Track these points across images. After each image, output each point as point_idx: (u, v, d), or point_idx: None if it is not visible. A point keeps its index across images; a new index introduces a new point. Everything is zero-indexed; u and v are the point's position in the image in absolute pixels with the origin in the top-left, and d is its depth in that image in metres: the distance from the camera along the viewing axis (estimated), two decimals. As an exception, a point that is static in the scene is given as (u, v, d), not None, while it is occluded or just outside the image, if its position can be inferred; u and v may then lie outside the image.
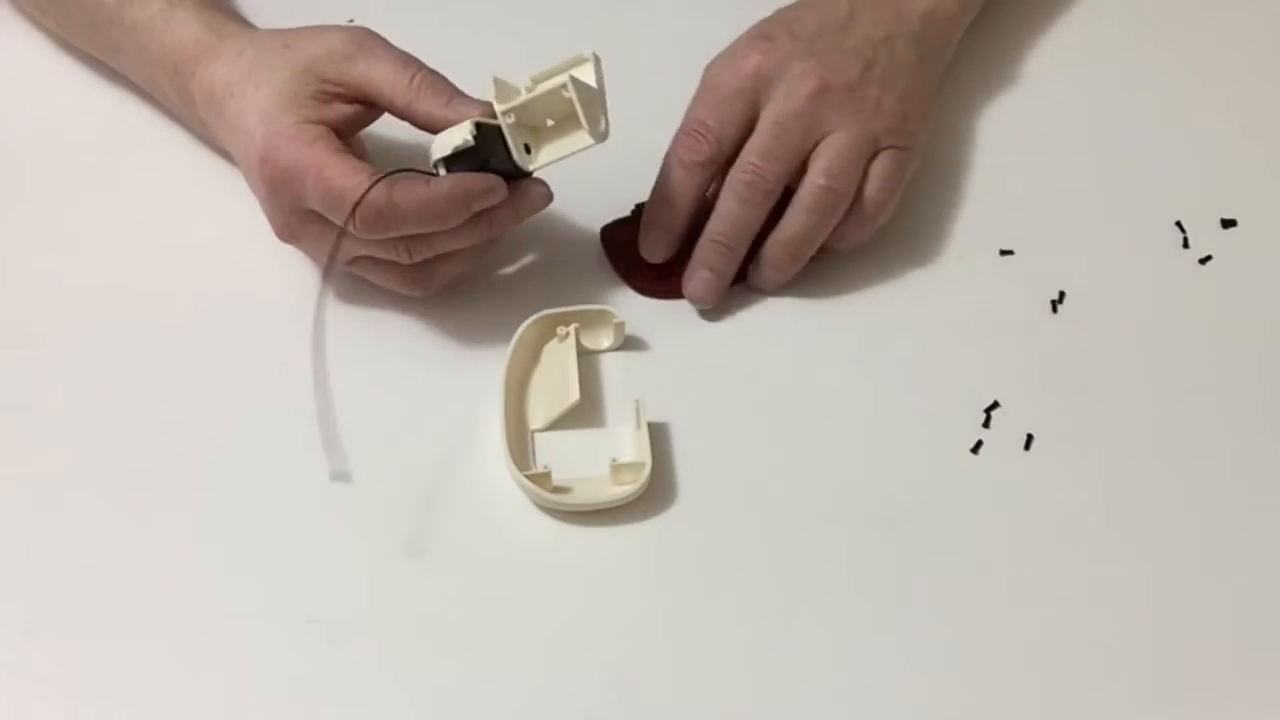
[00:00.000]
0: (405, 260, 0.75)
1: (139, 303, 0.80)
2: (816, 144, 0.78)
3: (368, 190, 0.71)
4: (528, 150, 0.74)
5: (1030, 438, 0.76)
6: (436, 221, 0.72)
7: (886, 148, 0.79)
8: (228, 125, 0.77)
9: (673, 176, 0.79)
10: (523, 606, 0.70)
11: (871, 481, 0.74)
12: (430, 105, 0.74)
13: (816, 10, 0.82)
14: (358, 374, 0.78)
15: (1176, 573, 0.72)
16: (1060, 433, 0.76)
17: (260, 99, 0.75)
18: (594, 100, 0.72)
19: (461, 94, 0.74)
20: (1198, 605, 0.71)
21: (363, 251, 0.75)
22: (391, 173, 0.72)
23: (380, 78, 0.74)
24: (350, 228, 0.72)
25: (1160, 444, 0.76)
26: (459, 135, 0.72)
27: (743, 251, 0.79)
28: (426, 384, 0.77)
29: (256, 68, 0.76)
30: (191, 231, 0.83)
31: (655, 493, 0.73)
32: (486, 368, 0.76)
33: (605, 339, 0.79)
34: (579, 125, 0.72)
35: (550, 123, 0.74)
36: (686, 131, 0.79)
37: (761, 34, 0.81)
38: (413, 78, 0.74)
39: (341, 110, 0.75)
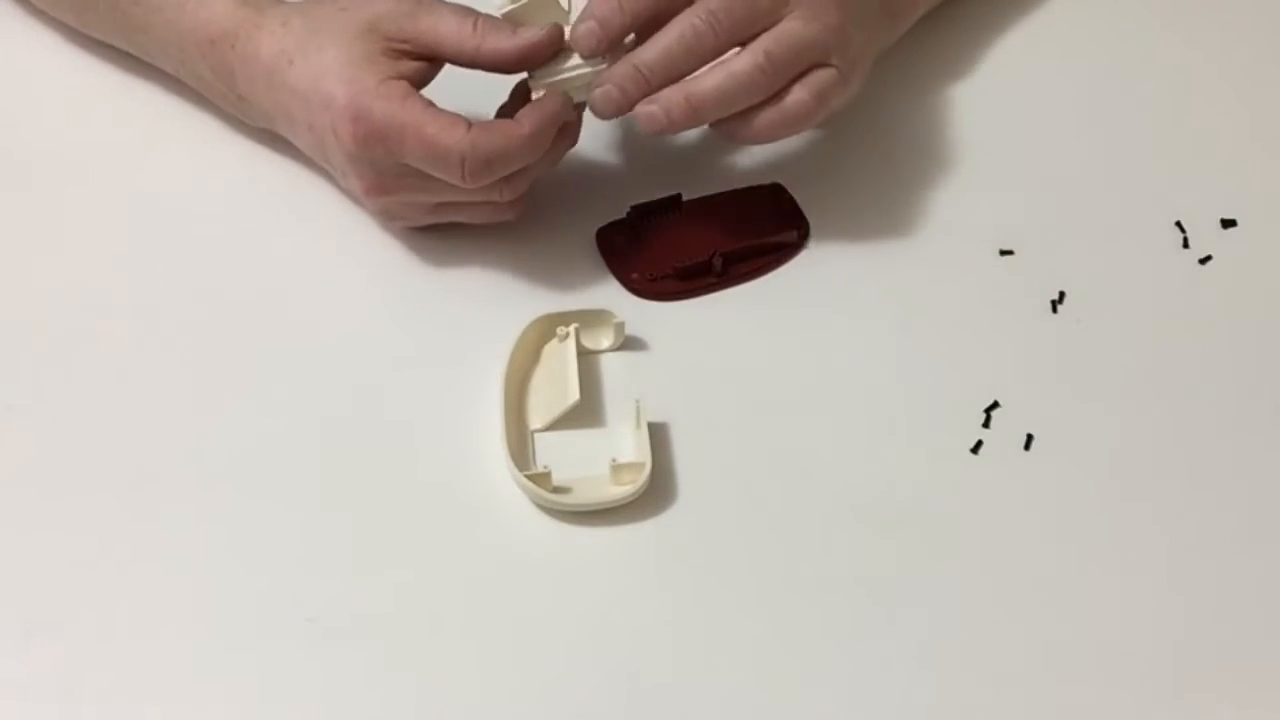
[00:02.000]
0: (503, 198, 0.77)
1: (138, 301, 0.80)
2: (774, 22, 0.76)
3: (470, 145, 0.73)
4: None
5: (1030, 438, 0.76)
6: (536, 153, 0.75)
7: (831, 65, 0.77)
8: (290, 92, 0.77)
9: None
10: (523, 606, 0.70)
11: (871, 481, 0.74)
12: (498, 41, 0.75)
13: None
14: (357, 373, 0.78)
15: (1177, 573, 0.72)
16: (1060, 433, 0.76)
17: (330, 60, 0.75)
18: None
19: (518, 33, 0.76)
20: (1198, 605, 0.71)
21: (460, 198, 0.76)
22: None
23: (445, 29, 0.76)
24: (461, 181, 0.74)
25: (1160, 444, 0.76)
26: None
27: (656, 91, 0.76)
28: (427, 384, 0.77)
29: (316, 33, 0.76)
30: (195, 229, 0.83)
31: (655, 493, 0.73)
32: (486, 368, 0.76)
33: (605, 339, 0.79)
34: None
35: None
36: None
37: None
38: (475, 23, 0.76)
39: (412, 66, 0.76)
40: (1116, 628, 0.70)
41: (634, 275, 0.81)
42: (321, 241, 0.82)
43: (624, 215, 0.82)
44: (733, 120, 0.77)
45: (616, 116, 0.77)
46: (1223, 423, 0.77)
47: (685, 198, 0.83)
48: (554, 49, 0.76)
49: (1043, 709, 0.68)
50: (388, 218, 0.81)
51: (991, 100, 0.90)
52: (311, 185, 0.83)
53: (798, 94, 0.77)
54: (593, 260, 0.82)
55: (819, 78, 0.77)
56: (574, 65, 0.76)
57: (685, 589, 0.71)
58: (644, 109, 0.76)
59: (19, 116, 0.88)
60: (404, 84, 0.75)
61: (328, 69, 0.75)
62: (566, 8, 0.77)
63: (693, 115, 0.76)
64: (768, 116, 0.77)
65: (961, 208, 0.85)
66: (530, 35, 0.76)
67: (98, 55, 0.88)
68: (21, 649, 0.69)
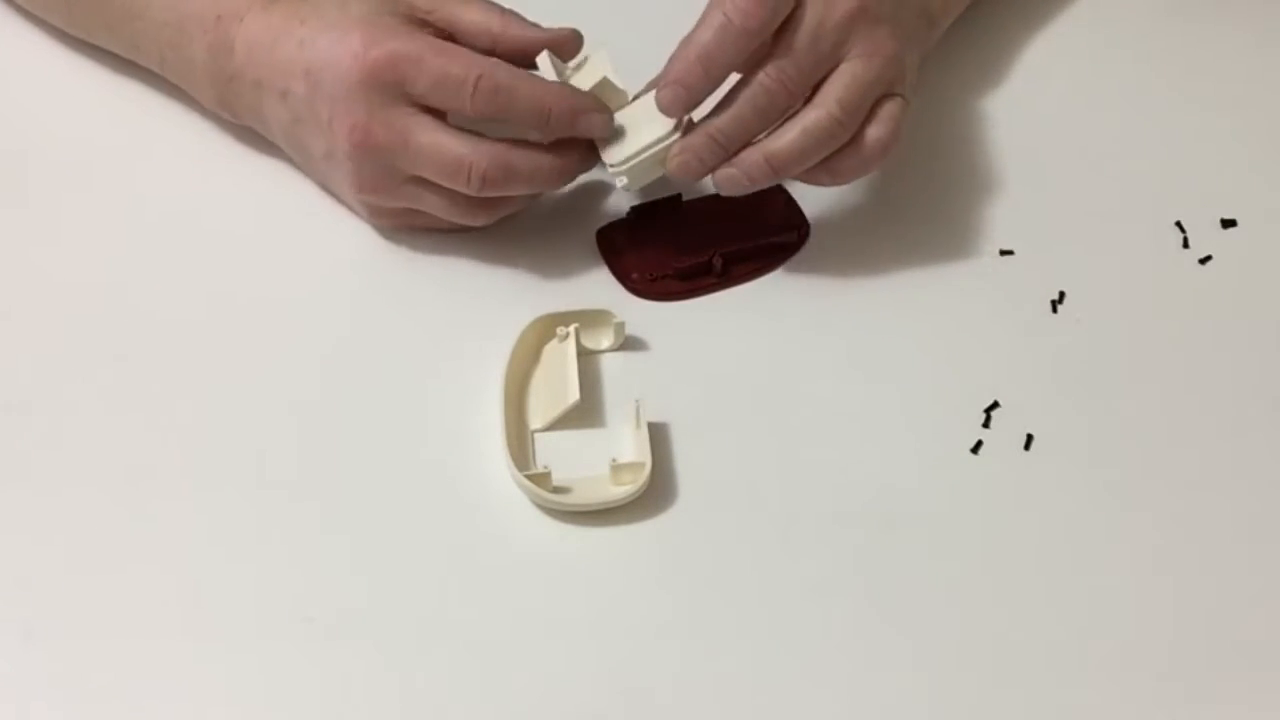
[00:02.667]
0: (473, 190, 0.76)
1: (138, 301, 0.80)
2: (837, 64, 0.76)
3: (490, 66, 0.74)
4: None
5: (1030, 438, 0.76)
6: (546, 119, 0.75)
7: (895, 94, 0.78)
8: (294, 45, 0.77)
9: (718, 35, 0.75)
10: (522, 606, 0.70)
11: (871, 481, 0.74)
12: (520, 29, 0.78)
13: None
14: (357, 373, 0.78)
15: (1177, 573, 0.72)
16: (1060, 433, 0.76)
17: (353, 12, 0.76)
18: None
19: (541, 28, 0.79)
20: (1198, 605, 0.71)
21: (433, 164, 0.75)
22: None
23: (471, 15, 0.78)
24: (468, 103, 0.74)
25: (1160, 444, 0.76)
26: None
27: (732, 154, 0.77)
28: (426, 384, 0.77)
29: (339, 3, 0.77)
30: (193, 230, 0.83)
31: (655, 493, 0.73)
32: (486, 367, 0.76)
33: (605, 339, 0.79)
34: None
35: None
36: (728, 20, 0.74)
37: None
38: (501, 13, 0.78)
39: (429, 31, 0.77)
40: (1116, 627, 0.70)
41: (634, 275, 0.81)
42: (320, 242, 0.82)
43: (624, 215, 0.82)
44: (815, 169, 0.78)
45: (696, 181, 0.79)
46: (1222, 422, 0.77)
47: (685, 198, 0.83)
48: (574, 47, 0.79)
49: (1043, 709, 0.68)
50: (367, 187, 0.78)
51: (991, 100, 0.90)
52: (310, 186, 0.83)
53: (874, 133, 0.77)
54: (593, 260, 0.82)
55: (889, 111, 0.77)
56: (646, 142, 0.77)
57: (685, 589, 0.71)
58: (724, 173, 0.77)
59: (18, 118, 0.88)
60: (420, 26, 0.76)
61: (346, 17, 0.76)
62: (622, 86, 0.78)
63: (773, 174, 0.77)
64: (849, 162, 0.78)
65: (961, 208, 0.85)
66: (548, 34, 0.78)
67: (96, 58, 0.88)
68: (21, 649, 0.69)
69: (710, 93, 0.77)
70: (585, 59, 0.80)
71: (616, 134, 0.78)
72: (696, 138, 0.77)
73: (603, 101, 0.78)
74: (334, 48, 0.75)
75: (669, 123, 0.77)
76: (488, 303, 0.80)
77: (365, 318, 0.80)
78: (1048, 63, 0.92)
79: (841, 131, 0.76)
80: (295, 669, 0.68)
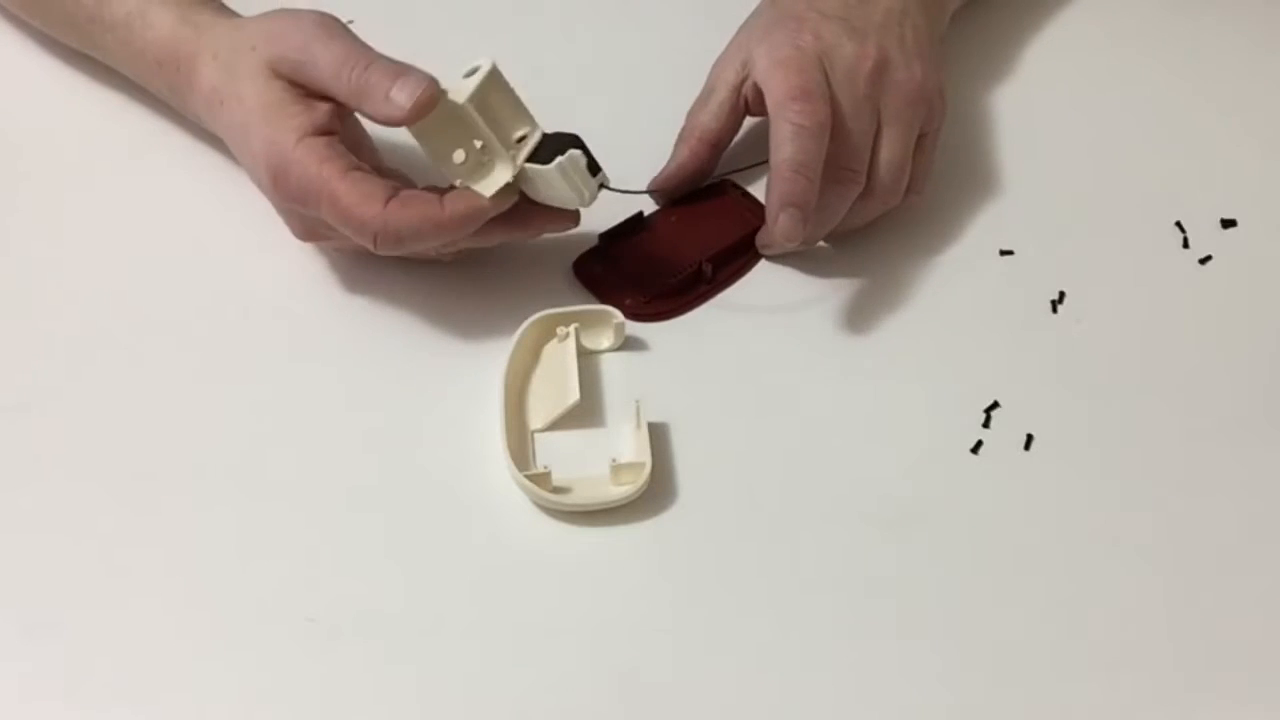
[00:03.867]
0: (432, 255, 0.77)
1: (138, 301, 0.80)
2: (877, 133, 0.79)
3: (383, 222, 0.72)
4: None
5: (1030, 438, 0.76)
6: (451, 236, 0.74)
7: (925, 133, 0.81)
8: (225, 132, 0.78)
9: (801, 146, 0.76)
10: (523, 606, 0.70)
11: (871, 481, 0.74)
12: (372, 106, 0.73)
13: None
14: (358, 373, 0.78)
15: (1176, 572, 0.72)
16: (1060, 433, 0.76)
17: (250, 108, 0.75)
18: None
19: (401, 76, 0.72)
20: (1198, 605, 0.71)
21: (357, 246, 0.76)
22: (401, 190, 0.73)
23: (327, 81, 0.74)
24: (373, 249, 0.74)
25: (1160, 444, 0.76)
26: (503, 176, 0.74)
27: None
28: (426, 384, 0.77)
29: (234, 76, 0.76)
30: (193, 229, 0.83)
31: (655, 493, 0.73)
32: (486, 367, 0.76)
33: (605, 339, 0.79)
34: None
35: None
36: (795, 96, 0.76)
37: (789, 14, 0.80)
38: (350, 78, 0.73)
39: (324, 109, 0.75)
40: (1116, 627, 0.70)
41: (627, 302, 0.80)
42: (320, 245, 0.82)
43: (594, 244, 0.82)
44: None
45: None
46: (1222, 422, 0.77)
47: (645, 214, 0.83)
48: (431, 108, 0.73)
49: (1043, 708, 0.68)
50: (302, 238, 0.79)
51: (992, 100, 0.90)
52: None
53: (914, 183, 0.81)
54: (593, 260, 0.82)
55: (924, 155, 0.82)
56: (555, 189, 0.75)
57: (685, 589, 0.71)
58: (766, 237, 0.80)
59: (20, 118, 0.88)
60: (321, 142, 0.73)
61: (249, 119, 0.75)
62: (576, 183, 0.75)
63: (823, 230, 0.81)
64: (888, 206, 0.81)
65: (961, 208, 0.85)
66: (410, 93, 0.72)
67: (91, 60, 0.88)
68: (21, 649, 0.69)
69: (816, 198, 0.78)
70: (473, 72, 0.73)
71: (531, 196, 0.76)
72: (786, 230, 0.77)
73: (502, 197, 0.74)
74: (250, 162, 0.76)
75: (575, 196, 0.74)
76: (488, 303, 0.80)
77: (366, 318, 0.80)
78: (1048, 63, 0.92)
79: (896, 197, 0.81)
80: (296, 669, 0.68)
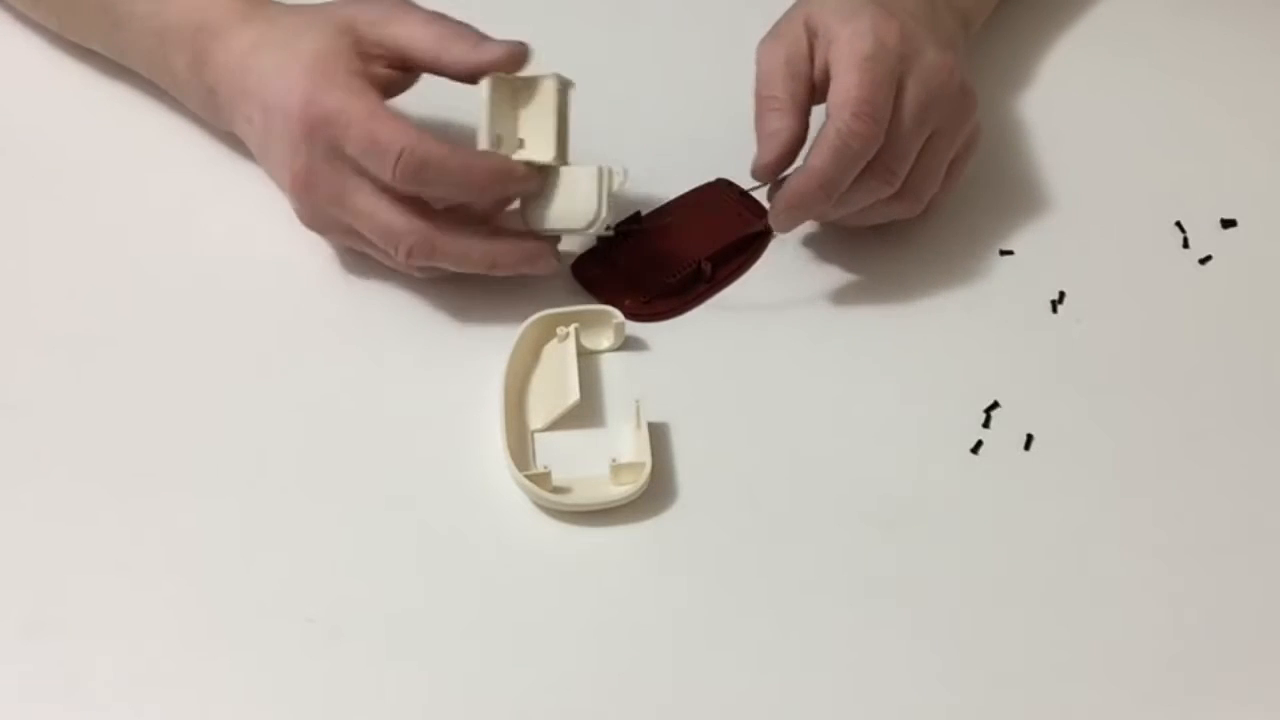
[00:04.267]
0: (399, 261, 0.76)
1: (139, 301, 0.80)
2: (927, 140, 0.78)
3: (415, 141, 0.73)
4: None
5: (1030, 438, 0.76)
6: (472, 191, 0.75)
7: (960, 156, 0.81)
8: (256, 75, 0.77)
9: (839, 163, 0.75)
10: (522, 606, 0.70)
11: (871, 481, 0.74)
12: (462, 50, 0.75)
13: None
14: (358, 373, 0.78)
15: (1176, 572, 0.72)
16: (1060, 433, 0.76)
17: (304, 52, 0.75)
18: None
19: (487, 39, 0.76)
20: (1198, 604, 0.71)
21: (367, 226, 0.75)
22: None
23: (416, 32, 0.76)
24: (390, 176, 0.73)
25: (1160, 444, 0.76)
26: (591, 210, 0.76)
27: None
28: (426, 384, 0.77)
29: (297, 29, 0.77)
30: (193, 230, 0.83)
31: (655, 493, 0.73)
32: (486, 368, 0.76)
33: (605, 339, 0.79)
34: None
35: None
36: (859, 114, 0.75)
37: (880, 6, 0.78)
38: (441, 29, 0.76)
39: (382, 72, 0.76)
40: (1116, 627, 0.70)
41: (626, 303, 0.80)
42: (322, 243, 0.82)
43: (593, 245, 0.81)
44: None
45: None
46: (1222, 422, 0.77)
47: (642, 214, 0.82)
48: (518, 66, 0.76)
49: (1043, 708, 0.68)
50: (308, 223, 0.78)
51: (991, 101, 0.90)
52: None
53: (948, 187, 0.81)
54: (593, 260, 0.82)
55: (958, 169, 0.81)
56: (570, 225, 0.77)
57: (685, 589, 0.71)
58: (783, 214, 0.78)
59: (18, 119, 0.88)
60: (365, 82, 0.75)
61: (298, 59, 0.75)
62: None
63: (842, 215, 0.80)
64: (942, 197, 0.81)
65: (961, 208, 0.85)
66: (491, 50, 0.75)
67: (90, 60, 0.88)
68: (22, 649, 0.69)
69: (827, 207, 0.77)
70: (537, 80, 0.77)
71: (544, 195, 0.77)
72: (811, 206, 0.77)
73: (531, 169, 0.76)
74: (281, 94, 0.76)
75: (590, 209, 0.76)
76: (488, 303, 0.80)
77: (365, 318, 0.80)
78: (1048, 64, 0.92)
79: (923, 205, 0.80)
80: (296, 669, 0.68)
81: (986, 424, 0.76)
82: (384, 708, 0.68)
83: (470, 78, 0.76)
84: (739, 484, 0.74)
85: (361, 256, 0.80)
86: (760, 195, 0.81)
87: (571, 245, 0.81)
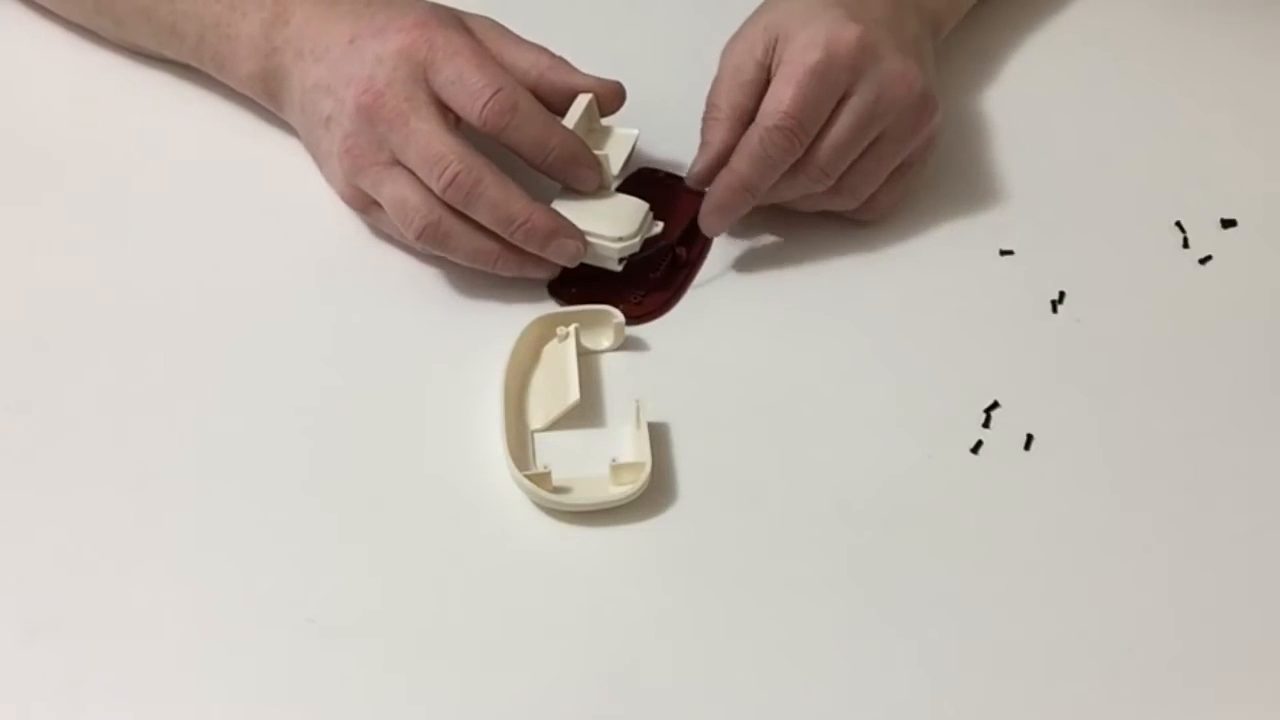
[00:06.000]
0: (439, 189, 0.75)
1: (140, 302, 0.80)
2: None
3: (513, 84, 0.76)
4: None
5: (1030, 438, 0.76)
6: (543, 152, 0.77)
7: (912, 162, 0.81)
8: (352, 18, 0.79)
9: (761, 162, 0.77)
10: (523, 606, 0.70)
11: (871, 481, 0.74)
12: (564, 74, 0.79)
13: None
14: (357, 373, 0.78)
15: (1176, 572, 0.72)
16: (1060, 433, 0.76)
17: (416, 6, 0.78)
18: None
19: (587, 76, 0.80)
20: (1198, 604, 0.71)
21: (418, 150, 0.76)
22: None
23: (520, 53, 0.79)
24: (478, 110, 0.75)
25: (1160, 444, 0.76)
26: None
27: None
28: (426, 384, 0.77)
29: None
30: (196, 231, 0.83)
31: (655, 493, 0.73)
32: (486, 368, 0.76)
33: (605, 339, 0.79)
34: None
35: None
36: (780, 127, 0.76)
37: (846, 12, 0.78)
38: (551, 57, 0.79)
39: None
40: (1116, 627, 0.70)
41: (620, 309, 0.79)
42: (322, 243, 0.82)
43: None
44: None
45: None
46: (1222, 422, 0.77)
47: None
48: (616, 102, 0.80)
49: (1043, 709, 0.68)
50: (349, 150, 0.78)
51: (991, 100, 0.90)
52: (313, 187, 0.83)
53: (891, 193, 0.82)
54: (593, 260, 0.82)
55: (896, 185, 0.82)
56: (604, 232, 0.78)
57: (685, 589, 0.71)
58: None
59: (20, 117, 0.88)
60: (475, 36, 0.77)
61: (413, 8, 0.78)
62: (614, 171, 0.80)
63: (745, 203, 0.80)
64: (891, 197, 0.83)
65: (961, 208, 0.85)
66: (592, 80, 0.79)
67: (98, 56, 0.88)
68: (22, 649, 0.69)
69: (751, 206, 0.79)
70: (612, 129, 0.81)
71: (583, 202, 0.79)
72: (725, 195, 0.78)
73: (601, 165, 0.79)
74: (389, 20, 0.77)
75: (627, 230, 0.78)
76: (488, 303, 0.80)
77: (365, 318, 0.80)
78: (1048, 63, 0.92)
79: (853, 205, 0.81)
80: (296, 669, 0.68)
81: (986, 424, 0.77)
82: (383, 707, 0.68)
83: (564, 99, 0.79)
84: (739, 484, 0.74)
85: (360, 257, 0.80)
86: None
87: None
